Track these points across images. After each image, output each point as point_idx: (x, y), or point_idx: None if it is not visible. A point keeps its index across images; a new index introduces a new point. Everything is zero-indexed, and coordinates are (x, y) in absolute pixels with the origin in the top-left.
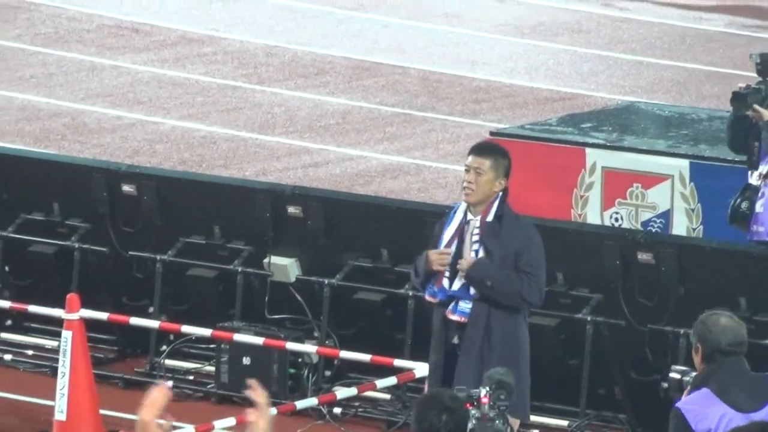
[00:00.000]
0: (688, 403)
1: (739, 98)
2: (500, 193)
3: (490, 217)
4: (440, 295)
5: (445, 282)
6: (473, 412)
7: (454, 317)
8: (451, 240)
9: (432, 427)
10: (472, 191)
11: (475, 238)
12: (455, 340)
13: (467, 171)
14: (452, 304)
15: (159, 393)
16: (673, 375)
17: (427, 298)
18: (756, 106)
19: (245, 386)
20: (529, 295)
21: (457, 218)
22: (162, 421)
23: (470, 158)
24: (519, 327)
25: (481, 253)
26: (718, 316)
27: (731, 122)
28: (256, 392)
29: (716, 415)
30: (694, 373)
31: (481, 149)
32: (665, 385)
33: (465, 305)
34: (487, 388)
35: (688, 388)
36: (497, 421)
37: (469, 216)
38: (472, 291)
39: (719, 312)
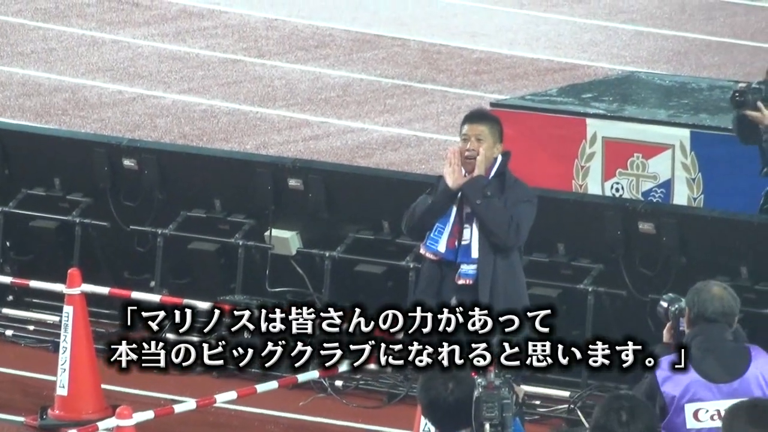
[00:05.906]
0: (662, 364)
1: (740, 96)
2: (500, 156)
3: (491, 175)
4: (448, 255)
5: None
6: (479, 380)
7: (462, 281)
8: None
9: (439, 396)
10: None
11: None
12: (453, 302)
13: (465, 140)
14: (460, 268)
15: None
16: (662, 303)
17: (424, 251)
18: (759, 104)
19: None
20: (509, 231)
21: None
22: None
23: (466, 127)
24: (521, 286)
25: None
26: (711, 284)
27: (737, 121)
28: None
29: (685, 381)
30: (683, 302)
31: (477, 117)
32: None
33: (468, 267)
34: None
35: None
36: (503, 389)
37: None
38: (473, 254)
39: (715, 282)
